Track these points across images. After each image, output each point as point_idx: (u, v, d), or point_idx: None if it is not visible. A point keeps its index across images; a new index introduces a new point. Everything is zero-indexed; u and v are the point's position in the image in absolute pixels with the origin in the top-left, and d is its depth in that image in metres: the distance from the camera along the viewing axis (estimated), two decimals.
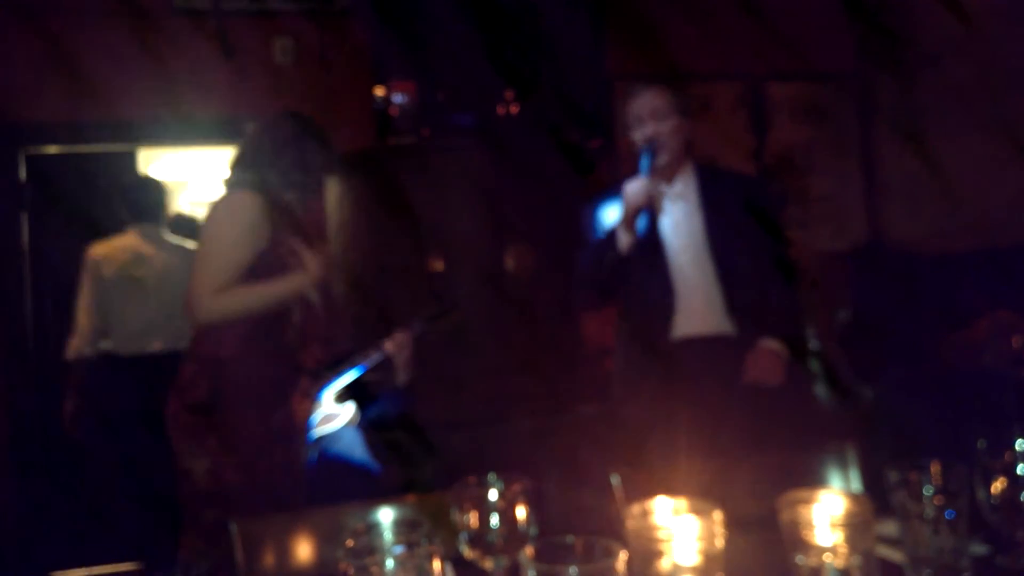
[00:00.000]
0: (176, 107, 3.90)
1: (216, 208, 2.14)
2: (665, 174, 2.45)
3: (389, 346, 2.87)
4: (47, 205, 3.90)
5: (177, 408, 2.09)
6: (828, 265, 4.24)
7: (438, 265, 3.38)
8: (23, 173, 3.97)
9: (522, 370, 3.41)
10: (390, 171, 3.53)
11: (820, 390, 3.75)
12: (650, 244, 2.39)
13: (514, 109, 4.31)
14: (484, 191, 3.49)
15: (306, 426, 2.23)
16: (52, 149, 4.02)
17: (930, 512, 1.04)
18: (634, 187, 2.32)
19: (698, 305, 2.39)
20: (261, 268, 2.10)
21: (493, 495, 1.07)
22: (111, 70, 3.85)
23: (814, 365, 3.86)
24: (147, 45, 3.91)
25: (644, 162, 2.35)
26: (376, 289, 3.47)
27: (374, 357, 2.85)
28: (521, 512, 1.07)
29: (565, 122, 4.24)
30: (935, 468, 1.07)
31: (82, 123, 3.89)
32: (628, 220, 2.32)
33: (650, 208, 2.32)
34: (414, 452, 3.10)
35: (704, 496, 0.96)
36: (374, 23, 4.17)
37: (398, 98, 4.15)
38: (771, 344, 2.37)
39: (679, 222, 2.44)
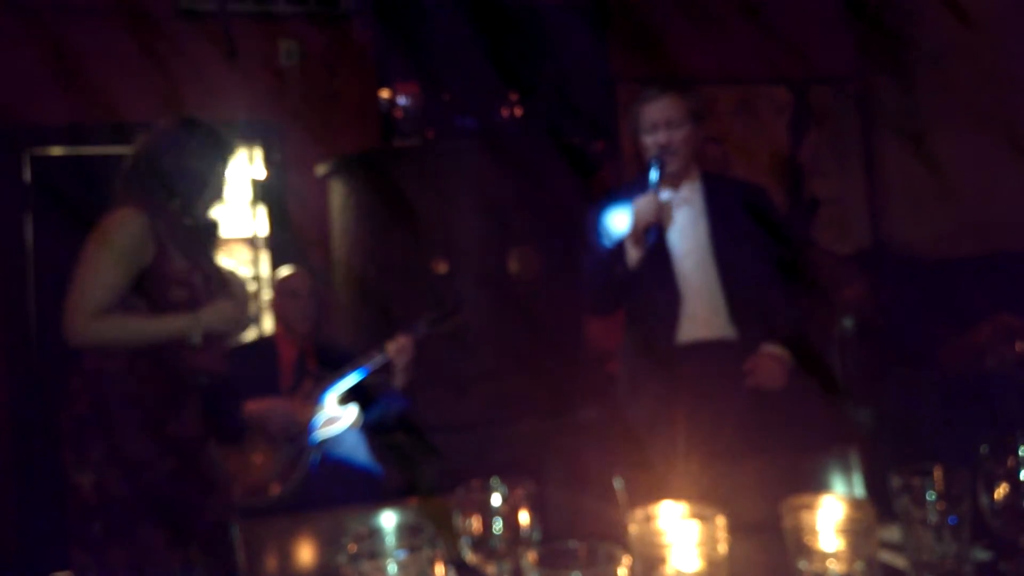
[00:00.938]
0: (180, 109, 3.91)
1: (98, 226, 2.05)
2: (673, 180, 2.45)
3: (391, 348, 2.87)
4: (51, 207, 3.90)
5: (64, 419, 2.05)
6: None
7: (441, 267, 3.38)
8: (27, 175, 3.98)
9: (525, 373, 3.41)
10: (394, 173, 3.53)
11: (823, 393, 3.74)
12: (657, 251, 2.39)
13: (517, 111, 4.31)
14: (487, 193, 3.50)
15: (206, 436, 2.17)
16: (56, 151, 4.03)
17: (933, 517, 1.04)
18: (643, 202, 2.31)
19: (702, 310, 2.40)
20: (147, 285, 2.05)
21: (496, 499, 1.07)
22: (115, 72, 3.86)
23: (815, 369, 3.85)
24: (151, 47, 3.92)
25: (654, 173, 2.34)
26: (379, 291, 3.48)
27: (376, 359, 2.86)
28: (524, 516, 1.07)
29: (568, 124, 4.25)
30: (938, 473, 1.07)
31: (86, 125, 3.90)
32: (637, 235, 2.32)
33: (659, 222, 2.32)
34: (416, 455, 3.10)
35: (707, 501, 0.96)
36: (378, 26, 4.18)
37: (402, 100, 4.15)
38: (773, 349, 2.38)
39: (684, 228, 2.44)
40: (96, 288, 1.99)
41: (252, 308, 2.21)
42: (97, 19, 3.88)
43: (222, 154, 2.20)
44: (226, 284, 2.25)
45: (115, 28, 3.89)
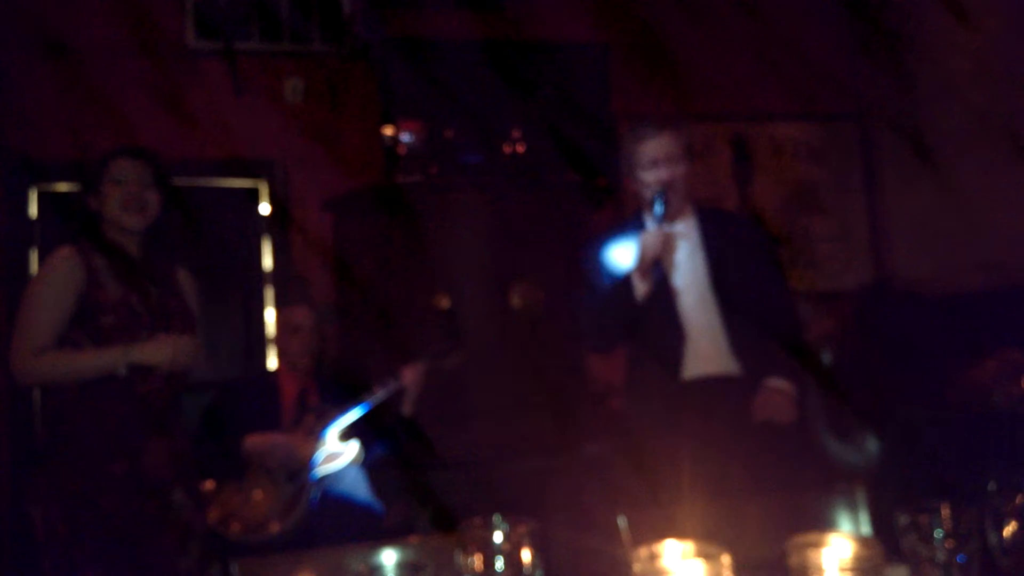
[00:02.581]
0: (188, 144, 3.95)
1: (39, 268, 2.14)
2: (672, 214, 2.46)
3: (406, 376, 2.88)
4: (56, 242, 3.92)
5: (23, 456, 2.12)
6: (818, 306, 4.23)
7: (444, 302, 3.39)
8: (33, 209, 4.00)
9: (528, 408, 3.39)
10: (397, 209, 3.56)
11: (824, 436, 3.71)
12: (660, 286, 2.39)
13: (520, 148, 4.35)
14: (490, 229, 3.52)
15: (163, 477, 2.15)
16: (62, 187, 4.07)
17: (941, 556, 1.02)
18: (650, 236, 2.33)
19: (704, 345, 2.39)
20: (81, 315, 2.07)
21: (498, 537, 1.06)
22: (123, 109, 3.90)
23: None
24: (159, 84, 3.98)
25: (658, 208, 2.35)
26: (382, 326, 3.48)
27: (390, 387, 2.86)
28: (526, 555, 1.05)
29: (570, 161, 4.28)
30: (946, 511, 1.05)
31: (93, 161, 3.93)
32: (644, 269, 2.33)
33: (665, 255, 2.33)
34: (418, 492, 3.07)
35: (712, 539, 0.95)
36: (383, 64, 4.23)
37: (406, 137, 4.20)
38: (779, 383, 2.37)
39: (682, 263, 2.44)
40: (32, 327, 2.05)
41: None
42: (106, 55, 3.93)
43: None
44: (175, 315, 2.23)
45: (124, 64, 3.94)
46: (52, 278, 2.09)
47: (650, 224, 2.38)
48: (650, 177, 2.42)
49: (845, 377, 3.77)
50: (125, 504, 2.06)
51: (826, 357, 3.77)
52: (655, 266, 2.32)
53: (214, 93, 4.05)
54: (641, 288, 2.35)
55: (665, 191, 2.37)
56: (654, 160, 2.41)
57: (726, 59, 4.62)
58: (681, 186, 2.42)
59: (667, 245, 2.33)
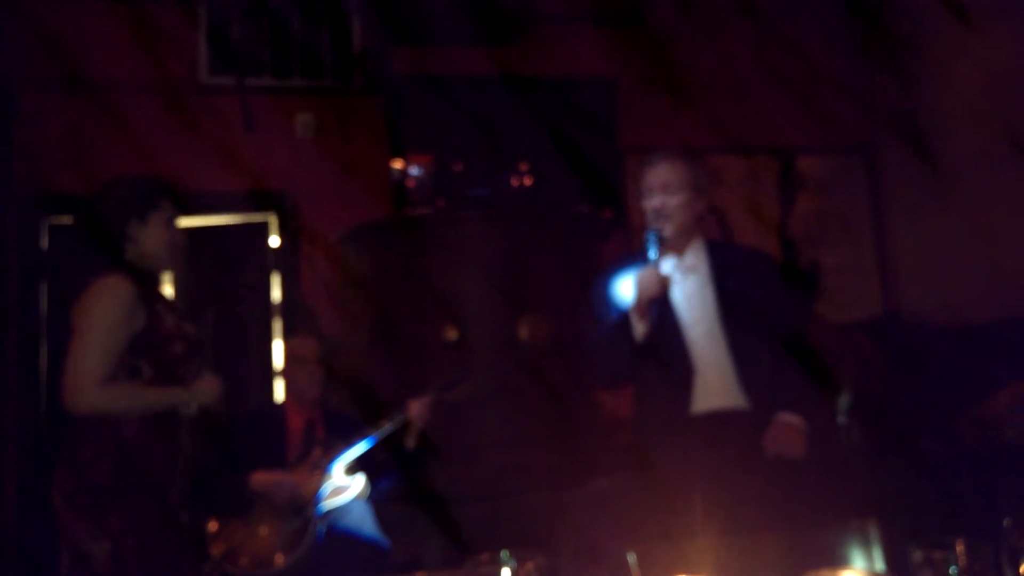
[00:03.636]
0: (201, 178, 3.99)
1: (88, 295, 2.10)
2: (676, 247, 2.46)
3: (412, 409, 2.87)
4: (67, 275, 3.95)
5: (73, 488, 2.04)
6: (837, 339, 4.20)
7: (452, 334, 3.39)
8: (44, 242, 4.04)
9: (536, 442, 3.37)
10: (405, 241, 3.58)
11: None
12: (666, 321, 2.39)
13: (527, 181, 4.38)
14: (498, 261, 3.52)
15: (188, 507, 2.23)
16: (73, 219, 4.11)
17: None
18: (645, 275, 2.33)
19: (713, 379, 2.37)
20: (148, 347, 2.10)
21: (506, 573, 1.05)
22: (136, 144, 3.95)
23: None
24: (172, 120, 4.03)
25: (651, 244, 2.35)
26: (390, 358, 3.47)
27: (396, 420, 2.85)
28: None
29: (577, 194, 4.31)
30: (960, 547, 1.04)
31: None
32: (641, 309, 2.33)
33: (662, 295, 2.34)
34: (424, 527, 3.05)
35: (724, 575, 0.94)
36: (392, 98, 4.28)
37: (414, 170, 4.24)
38: (789, 418, 2.35)
39: (691, 295, 2.44)
40: (89, 356, 2.04)
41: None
42: (119, 92, 4.00)
43: (139, 211, 2.20)
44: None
45: (137, 100, 4.00)
46: (109, 306, 2.07)
47: (650, 258, 2.37)
48: (646, 204, 2.44)
49: (857, 409, 3.75)
50: (182, 533, 2.16)
51: (844, 400, 3.73)
52: (652, 304, 2.32)
53: (226, 128, 4.10)
54: (639, 327, 2.34)
55: (657, 224, 2.38)
56: (650, 188, 2.44)
57: (733, 92, 4.65)
58: (680, 216, 2.42)
59: (663, 284, 2.33)
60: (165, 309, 2.17)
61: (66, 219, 4.08)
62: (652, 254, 2.34)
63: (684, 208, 2.42)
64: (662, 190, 2.42)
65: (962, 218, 4.19)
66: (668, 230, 2.40)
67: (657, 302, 2.32)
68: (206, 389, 2.18)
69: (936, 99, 4.37)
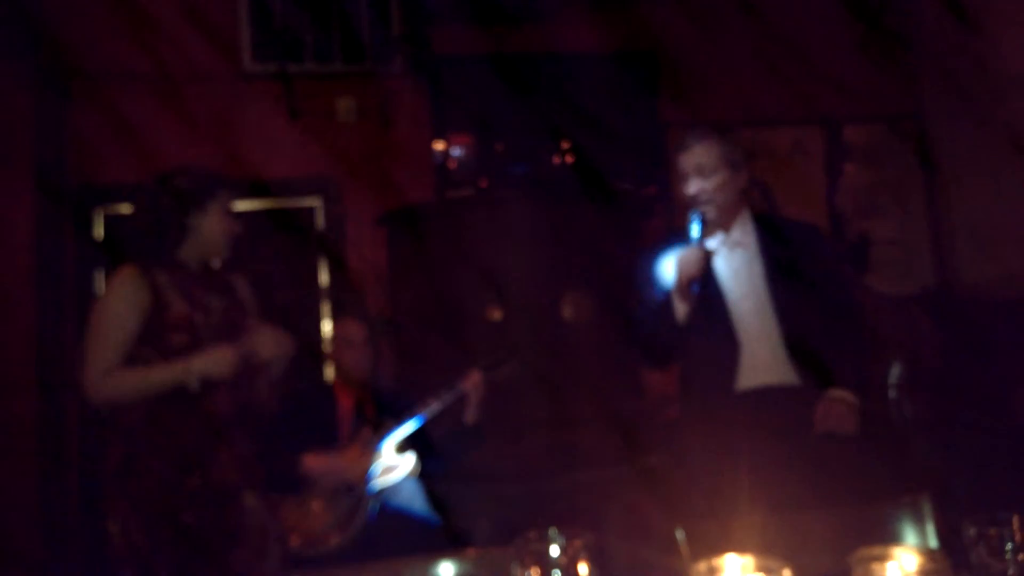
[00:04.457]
0: (246, 165, 4.06)
1: (103, 289, 2.18)
2: (722, 223, 2.44)
3: (467, 384, 2.90)
4: (121, 263, 4.05)
5: (101, 473, 2.16)
6: (890, 311, 4.12)
7: (496, 314, 3.40)
8: (99, 231, 4.15)
9: (582, 420, 3.38)
10: (448, 222, 3.59)
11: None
12: (711, 297, 2.37)
13: (569, 159, 4.36)
14: (540, 240, 3.52)
15: (235, 485, 2.21)
16: (127, 208, 4.20)
17: (1011, 569, 0.99)
18: (685, 256, 2.31)
19: (761, 355, 2.35)
20: (148, 334, 2.12)
21: (554, 550, 1.06)
22: (183, 133, 4.03)
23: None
24: (216, 108, 4.10)
25: (694, 226, 2.34)
26: (437, 338, 3.51)
27: (446, 398, 2.89)
28: (583, 568, 1.05)
29: (619, 170, 4.27)
30: (1016, 522, 1.02)
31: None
32: (682, 289, 2.32)
33: (704, 274, 2.32)
34: (474, 505, 3.08)
35: (772, 553, 0.94)
36: (433, 81, 4.29)
37: (456, 151, 4.26)
38: (840, 394, 2.31)
39: (739, 270, 2.41)
40: (101, 348, 2.10)
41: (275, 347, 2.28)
42: (165, 83, 4.07)
43: (198, 201, 2.24)
44: (240, 326, 2.28)
45: (184, 89, 4.08)
46: (116, 298, 2.14)
47: (692, 239, 2.36)
48: (685, 190, 2.42)
49: (909, 383, 3.68)
50: (202, 516, 2.13)
51: (895, 370, 3.66)
52: (693, 285, 2.31)
53: (269, 115, 4.16)
54: (680, 308, 2.33)
55: (699, 208, 2.37)
56: (686, 172, 2.42)
57: (775, 65, 4.56)
58: (719, 197, 2.39)
59: (704, 264, 2.31)
60: (179, 296, 2.16)
61: (123, 208, 4.19)
62: (695, 235, 2.33)
63: (722, 188, 2.40)
64: (697, 173, 2.39)
65: (1016, 189, 4.07)
66: (711, 213, 2.39)
67: (698, 282, 2.31)
68: (212, 361, 2.12)
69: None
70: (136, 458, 2.13)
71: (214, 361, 2.13)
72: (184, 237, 2.22)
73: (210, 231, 2.24)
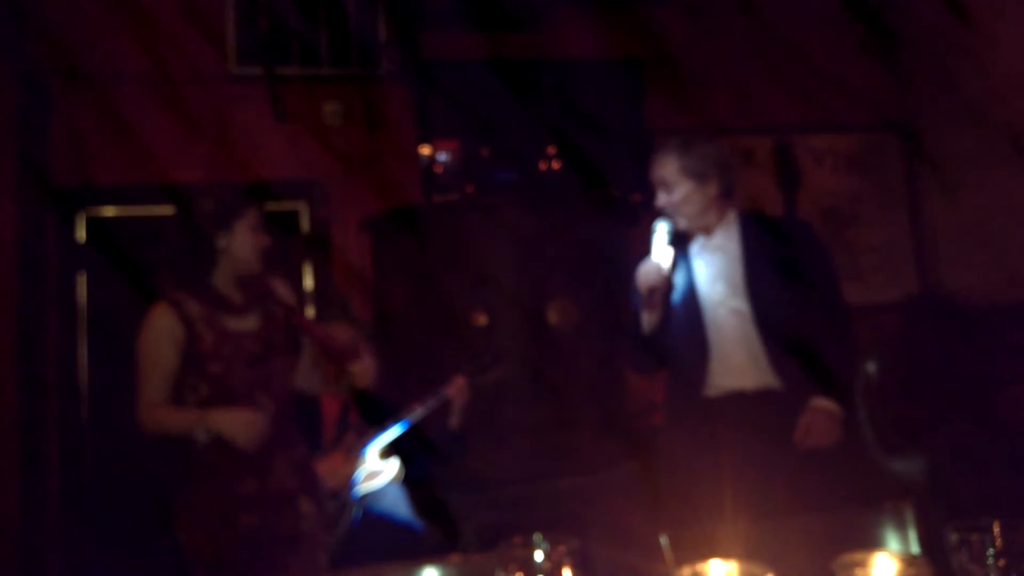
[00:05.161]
0: (231, 168, 4.04)
1: (142, 326, 2.23)
2: (702, 229, 2.45)
3: (451, 389, 2.90)
4: (104, 266, 4.03)
5: (167, 482, 2.25)
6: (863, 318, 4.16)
7: (481, 319, 3.40)
8: (82, 234, 4.11)
9: (567, 426, 3.38)
10: (434, 227, 3.59)
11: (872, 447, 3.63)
12: (686, 302, 2.39)
13: (555, 165, 4.36)
14: (526, 246, 3.52)
15: (289, 490, 2.25)
16: (110, 211, 4.17)
17: (993, 575, 1.00)
18: (645, 268, 2.36)
19: (737, 359, 2.35)
20: (188, 364, 2.18)
21: (539, 556, 1.06)
22: (168, 135, 4.01)
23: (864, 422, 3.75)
24: (203, 111, 4.08)
25: (656, 235, 2.40)
26: (420, 343, 3.50)
27: (430, 403, 2.88)
28: (567, 574, 1.05)
29: (606, 176, 4.28)
30: (997, 528, 1.03)
31: (140, 186, 4.04)
32: (645, 299, 2.34)
33: (666, 283, 2.37)
34: (458, 511, 3.07)
35: (756, 558, 0.94)
36: (419, 86, 4.29)
37: (442, 156, 4.25)
38: (823, 403, 2.30)
39: (717, 275, 2.41)
40: (145, 383, 2.18)
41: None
42: (152, 83, 4.05)
43: (224, 222, 2.25)
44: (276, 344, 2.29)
45: (169, 92, 4.05)
46: (153, 336, 2.19)
47: (658, 248, 2.39)
48: (655, 202, 2.45)
49: (891, 390, 3.70)
50: (260, 520, 2.17)
51: (871, 367, 3.69)
52: (654, 295, 2.34)
53: (255, 118, 4.14)
54: (646, 318, 2.36)
55: (671, 217, 2.41)
56: (654, 184, 2.46)
57: (761, 71, 4.59)
58: (686, 208, 2.41)
59: (661, 274, 2.35)
60: (208, 328, 2.19)
61: (103, 210, 4.16)
62: (659, 244, 2.35)
63: (687, 200, 2.41)
64: (661, 187, 2.42)
65: (998, 199, 4.11)
66: (682, 223, 2.41)
67: (659, 292, 2.33)
68: (225, 422, 2.15)
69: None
70: (193, 467, 2.19)
71: (227, 422, 2.15)
72: (215, 260, 2.24)
73: (240, 249, 2.25)
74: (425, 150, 4.28)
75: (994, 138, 4.06)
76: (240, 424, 2.15)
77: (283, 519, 2.22)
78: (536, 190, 4.27)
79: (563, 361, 3.45)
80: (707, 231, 2.45)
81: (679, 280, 2.43)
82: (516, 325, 3.42)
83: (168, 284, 2.25)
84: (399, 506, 2.94)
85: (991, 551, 1.01)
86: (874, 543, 1.60)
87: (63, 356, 3.97)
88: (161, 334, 2.18)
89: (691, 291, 2.40)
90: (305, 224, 4.30)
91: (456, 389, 2.92)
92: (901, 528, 1.62)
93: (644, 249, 2.53)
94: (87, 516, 3.88)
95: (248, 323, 2.26)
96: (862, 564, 0.95)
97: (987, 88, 4.10)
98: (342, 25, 4.23)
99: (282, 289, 2.42)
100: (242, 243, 2.25)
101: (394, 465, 2.88)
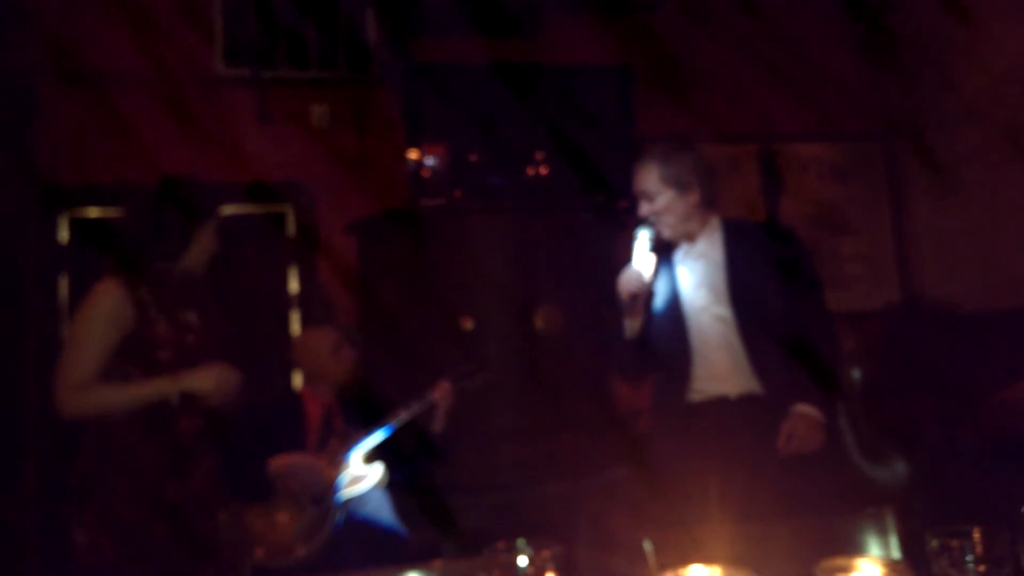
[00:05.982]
0: (216, 170, 4.01)
1: (83, 300, 2.12)
2: (685, 236, 2.46)
3: (436, 394, 2.89)
4: (86, 268, 3.99)
5: (70, 475, 2.10)
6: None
7: (468, 324, 3.40)
8: (64, 235, 4.08)
9: (552, 432, 3.38)
10: (421, 232, 3.58)
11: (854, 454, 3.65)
12: (669, 308, 2.40)
13: (544, 170, 4.37)
14: (514, 251, 3.52)
15: (209, 499, 2.19)
16: (93, 212, 4.14)
17: None
18: (625, 274, 2.38)
19: (720, 365, 2.37)
20: (134, 351, 2.09)
21: (522, 561, 1.06)
22: (153, 134, 3.98)
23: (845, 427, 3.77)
24: (189, 112, 4.06)
25: (637, 241, 2.41)
26: (406, 348, 3.49)
27: (414, 408, 2.87)
28: None
29: (594, 183, 4.29)
30: (977, 535, 1.04)
31: (124, 187, 4.00)
32: (628, 309, 2.36)
33: (647, 290, 2.38)
34: (442, 516, 3.07)
35: (739, 563, 0.94)
36: (407, 89, 4.28)
37: (430, 161, 4.24)
38: (805, 409, 2.31)
39: (700, 282, 2.43)
40: (76, 362, 2.06)
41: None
42: (137, 83, 4.02)
43: (201, 215, 2.24)
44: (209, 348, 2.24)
45: (153, 92, 4.03)
46: (97, 312, 2.09)
47: (639, 254, 2.41)
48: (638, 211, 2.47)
49: (875, 397, 3.72)
50: (176, 529, 2.09)
51: (855, 373, 3.72)
52: (635, 301, 2.35)
53: (242, 119, 4.12)
54: (628, 324, 2.38)
55: (653, 226, 2.42)
56: (636, 195, 2.47)
57: (748, 79, 4.62)
58: (668, 218, 2.43)
59: (642, 281, 2.36)
60: (162, 313, 2.13)
61: (84, 212, 4.12)
62: (643, 250, 2.37)
63: (669, 208, 2.43)
64: (642, 196, 2.45)
65: (981, 207, 4.14)
66: (665, 231, 2.43)
67: (639, 299, 2.35)
68: (199, 379, 2.10)
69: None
70: (107, 470, 2.08)
71: (201, 379, 2.11)
72: (182, 249, 2.19)
73: (202, 247, 2.23)
74: (413, 154, 4.27)
75: (994, 138, 4.08)
76: (215, 379, 2.10)
77: (199, 528, 2.14)
78: (525, 195, 4.27)
79: (550, 366, 3.45)
80: (690, 238, 2.47)
81: (663, 287, 2.44)
82: (504, 329, 3.42)
83: (122, 261, 2.15)
84: (383, 511, 2.93)
85: (971, 557, 1.02)
86: (856, 548, 1.61)
87: (42, 359, 3.93)
88: (107, 313, 2.07)
89: (675, 298, 2.41)
90: (292, 226, 4.28)
91: (441, 393, 2.92)
92: (883, 534, 1.63)
93: (632, 255, 2.55)
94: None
95: (193, 319, 2.23)
96: (844, 569, 0.96)
97: (987, 88, 4.12)
98: (332, 28, 4.22)
99: (212, 305, 2.36)
100: (207, 241, 2.23)
101: (378, 470, 2.87)
